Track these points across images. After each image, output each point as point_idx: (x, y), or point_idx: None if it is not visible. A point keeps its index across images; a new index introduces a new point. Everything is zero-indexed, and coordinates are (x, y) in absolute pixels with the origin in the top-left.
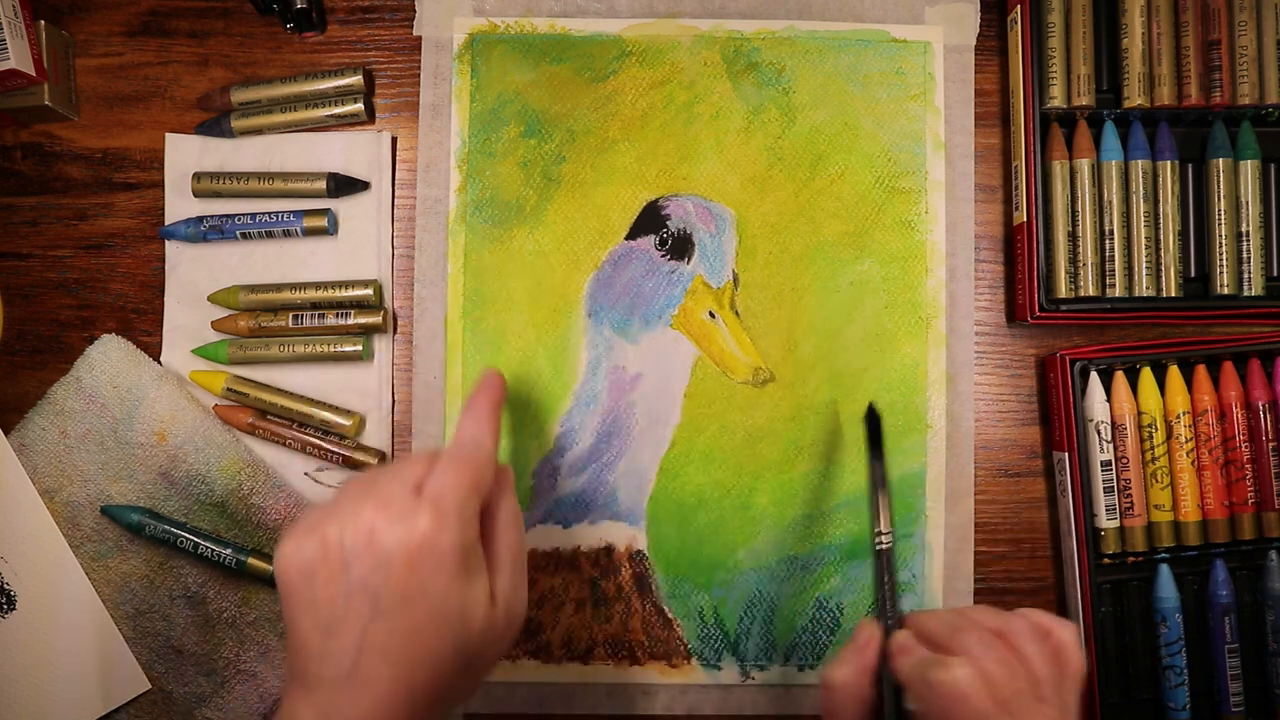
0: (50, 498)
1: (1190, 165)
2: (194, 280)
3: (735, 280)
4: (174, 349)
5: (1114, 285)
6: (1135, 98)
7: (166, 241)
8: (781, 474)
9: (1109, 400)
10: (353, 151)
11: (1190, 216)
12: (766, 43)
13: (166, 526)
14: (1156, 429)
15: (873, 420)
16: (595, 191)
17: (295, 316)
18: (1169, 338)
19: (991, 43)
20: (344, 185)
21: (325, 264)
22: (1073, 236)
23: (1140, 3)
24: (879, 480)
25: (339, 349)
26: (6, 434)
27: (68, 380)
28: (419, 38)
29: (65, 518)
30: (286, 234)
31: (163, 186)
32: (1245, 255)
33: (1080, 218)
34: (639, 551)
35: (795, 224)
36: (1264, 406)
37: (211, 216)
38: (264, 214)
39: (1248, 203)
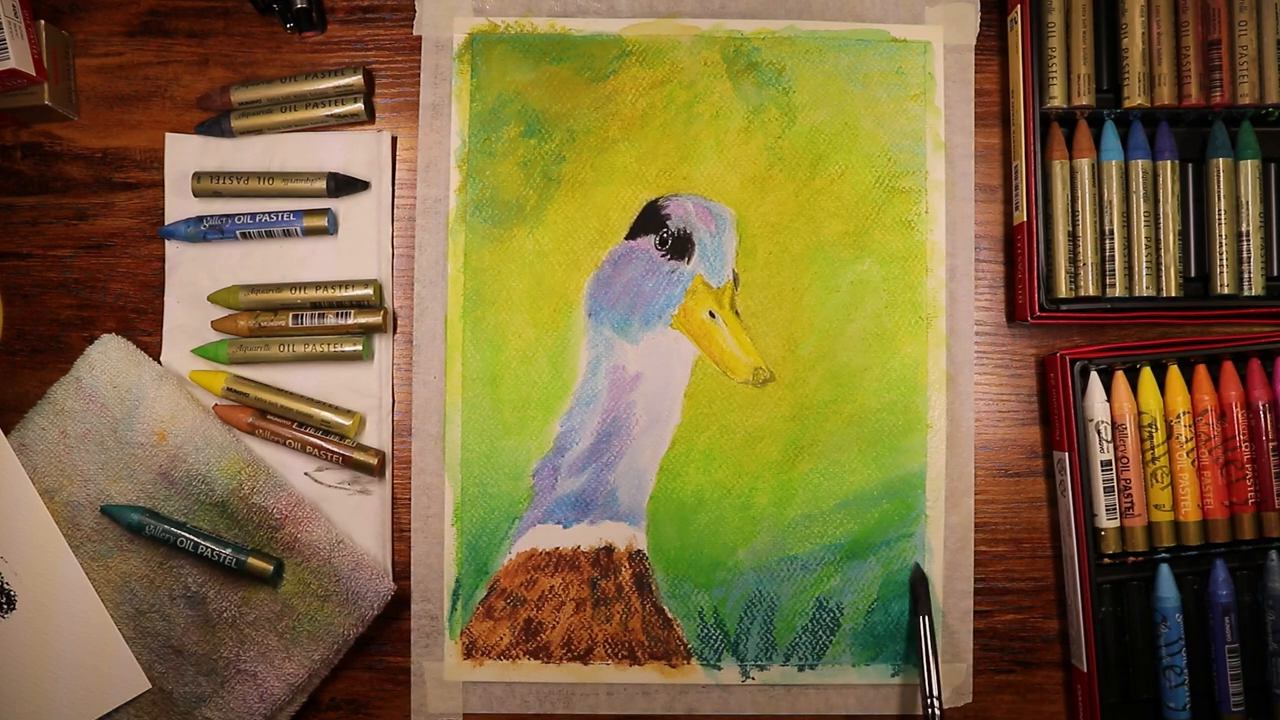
0: (50, 498)
1: (1190, 165)
2: (194, 280)
3: (735, 280)
4: (174, 349)
5: (1114, 285)
6: (1135, 97)
7: (166, 241)
8: (781, 474)
9: (1109, 400)
10: (353, 151)
11: (1190, 216)
12: (766, 43)
13: (166, 526)
14: (1156, 429)
15: (919, 580)
16: (595, 191)
17: (295, 316)
18: (1169, 338)
19: (991, 43)
20: (344, 185)
21: (325, 264)
22: (1073, 236)
23: (1140, 3)
24: (929, 641)
25: (339, 349)
26: (6, 434)
27: (68, 380)
28: (419, 38)
29: (65, 518)
30: (286, 234)
31: (163, 186)
32: (1245, 255)
33: (1080, 218)
34: (639, 551)
35: (795, 224)
36: (1264, 406)
37: (211, 216)
38: (264, 214)
39: (1248, 203)
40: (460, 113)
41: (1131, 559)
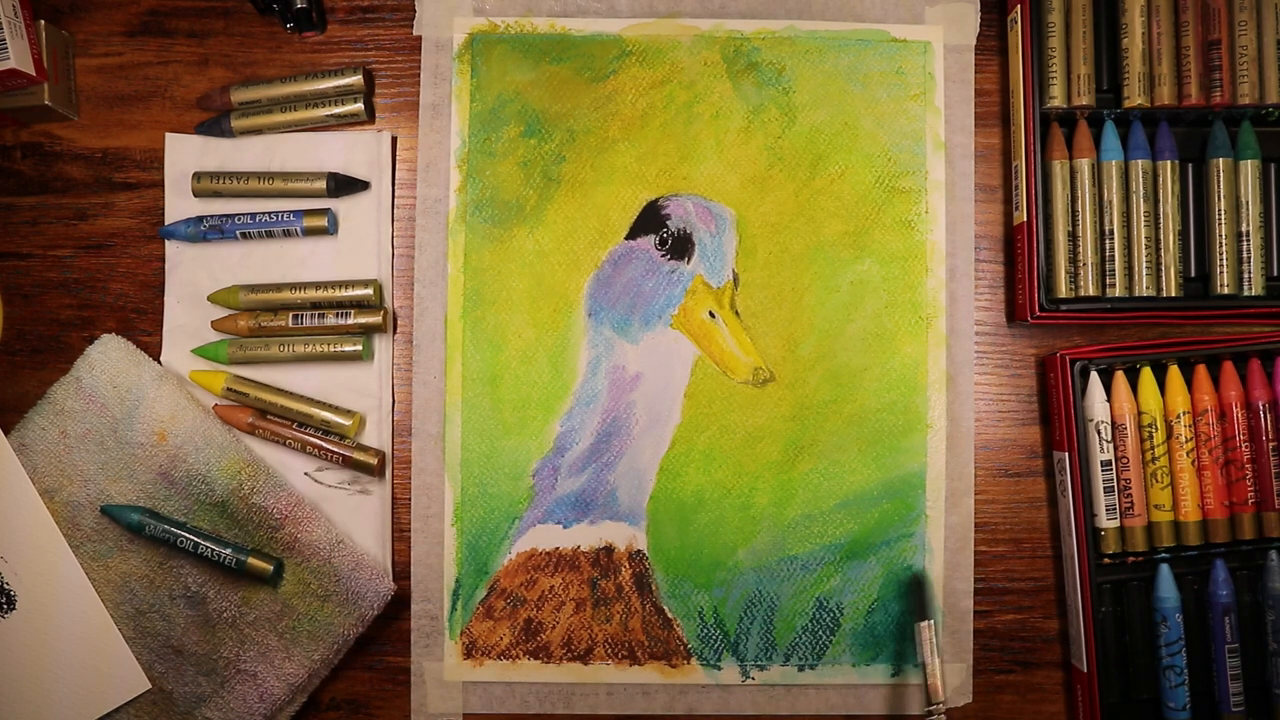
0: (50, 498)
1: (1190, 165)
2: (194, 280)
3: (735, 280)
4: (174, 349)
5: (1114, 285)
6: (1135, 97)
7: (166, 241)
8: (781, 474)
9: (1109, 400)
10: (353, 151)
11: (1190, 216)
12: (766, 42)
13: (166, 526)
14: (1156, 429)
15: (917, 585)
16: (595, 191)
17: (295, 316)
18: (1169, 338)
19: (991, 43)
20: (344, 185)
21: (325, 264)
22: (1073, 236)
23: (1140, 3)
24: (935, 647)
25: (339, 349)
26: (6, 434)
27: (68, 380)
28: (419, 38)
29: (65, 518)
30: (286, 234)
31: (163, 186)
32: (1245, 255)
33: (1080, 218)
34: (639, 551)
35: (795, 224)
36: (1264, 406)
37: (211, 216)
38: (264, 214)
39: (1248, 203)
40: (460, 113)
41: (1131, 559)
